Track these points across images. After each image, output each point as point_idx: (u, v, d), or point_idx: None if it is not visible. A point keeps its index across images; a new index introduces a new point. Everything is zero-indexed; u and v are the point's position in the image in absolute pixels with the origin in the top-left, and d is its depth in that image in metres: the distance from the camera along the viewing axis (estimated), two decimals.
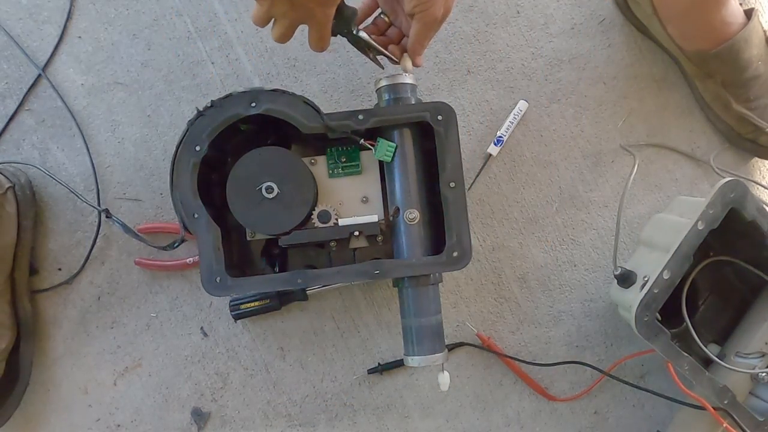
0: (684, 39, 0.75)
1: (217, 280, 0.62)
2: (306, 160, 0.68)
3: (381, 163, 0.68)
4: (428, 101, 0.64)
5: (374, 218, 0.67)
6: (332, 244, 0.68)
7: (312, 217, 0.67)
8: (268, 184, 0.64)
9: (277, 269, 0.70)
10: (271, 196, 0.64)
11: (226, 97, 0.62)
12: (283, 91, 0.62)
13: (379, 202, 0.69)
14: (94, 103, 0.79)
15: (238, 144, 0.68)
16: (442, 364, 0.64)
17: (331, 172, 0.69)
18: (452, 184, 0.63)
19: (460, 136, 0.64)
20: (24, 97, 0.79)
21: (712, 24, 0.72)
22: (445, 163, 0.63)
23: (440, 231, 0.64)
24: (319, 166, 0.69)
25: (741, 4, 0.77)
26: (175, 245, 0.66)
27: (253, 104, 0.62)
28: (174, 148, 0.63)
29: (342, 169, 0.69)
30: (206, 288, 0.62)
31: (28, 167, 0.78)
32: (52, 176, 0.76)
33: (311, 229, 0.67)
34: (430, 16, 0.60)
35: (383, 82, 0.66)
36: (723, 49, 0.72)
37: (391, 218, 0.66)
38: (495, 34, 0.81)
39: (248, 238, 0.69)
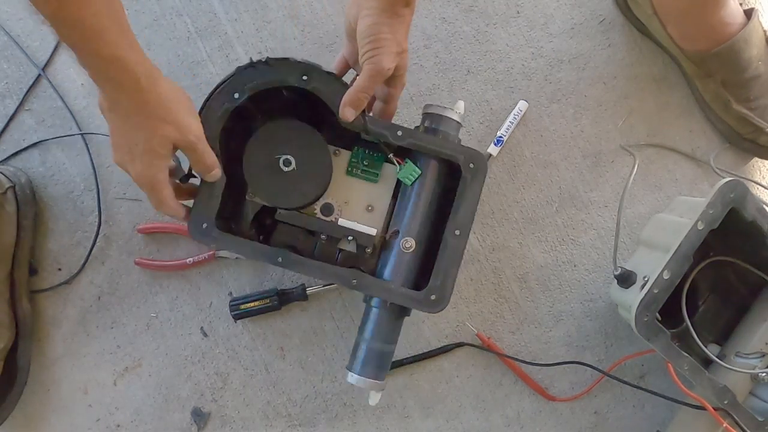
0: (684, 39, 0.75)
1: (204, 226, 0.62)
2: (331, 148, 0.67)
3: (399, 182, 0.67)
4: (466, 145, 0.63)
5: (372, 231, 0.66)
6: (323, 236, 0.68)
7: (315, 204, 0.67)
8: (288, 157, 0.63)
9: (261, 238, 0.68)
10: (286, 169, 0.63)
11: (283, 59, 0.62)
12: (337, 78, 0.62)
13: (382, 216, 0.68)
14: (94, 103, 0.79)
15: (274, 105, 0.66)
16: (378, 390, 0.65)
17: (349, 169, 0.68)
18: (457, 232, 0.62)
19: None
20: (24, 97, 0.79)
21: (712, 24, 0.72)
22: (458, 210, 0.63)
23: (428, 268, 0.64)
24: (341, 159, 0.68)
25: (741, 4, 0.77)
26: (185, 178, 0.65)
27: (305, 78, 0.62)
28: (215, 85, 0.62)
29: (361, 171, 0.68)
30: (191, 231, 0.61)
31: (28, 167, 0.78)
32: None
33: (311, 216, 0.66)
34: (377, 64, 0.58)
35: (432, 109, 0.66)
36: (723, 49, 0.72)
37: (386, 237, 0.66)
38: (495, 34, 0.81)
39: (247, 198, 0.67)
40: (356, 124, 0.62)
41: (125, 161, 0.57)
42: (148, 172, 0.56)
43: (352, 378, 0.65)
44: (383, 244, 0.67)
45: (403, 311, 0.66)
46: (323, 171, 0.65)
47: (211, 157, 0.60)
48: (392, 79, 0.62)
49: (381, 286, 0.63)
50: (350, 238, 0.66)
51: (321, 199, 0.67)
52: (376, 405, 0.67)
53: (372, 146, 0.67)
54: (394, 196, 0.68)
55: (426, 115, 0.66)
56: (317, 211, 0.67)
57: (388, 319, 0.65)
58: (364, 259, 0.67)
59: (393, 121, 0.66)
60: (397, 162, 0.65)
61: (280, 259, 0.63)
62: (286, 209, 0.65)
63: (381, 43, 0.57)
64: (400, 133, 0.63)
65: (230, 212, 0.67)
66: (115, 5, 0.50)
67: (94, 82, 0.52)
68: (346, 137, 0.67)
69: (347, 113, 0.61)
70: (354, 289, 0.63)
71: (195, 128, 0.58)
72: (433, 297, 0.62)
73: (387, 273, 0.65)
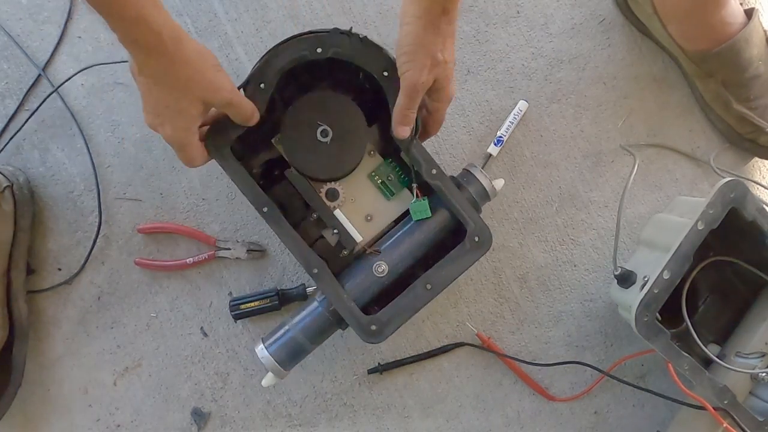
0: (684, 39, 0.75)
1: (221, 144, 0.62)
2: (369, 146, 0.67)
3: (407, 209, 0.67)
4: (482, 219, 0.63)
5: (359, 238, 0.66)
6: (314, 215, 0.67)
7: (325, 184, 0.66)
8: (329, 130, 0.63)
9: (261, 183, 0.67)
10: (321, 139, 0.63)
11: (377, 46, 0.62)
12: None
13: (376, 231, 0.67)
14: (94, 103, 0.79)
15: (343, 76, 0.66)
16: (275, 376, 0.66)
17: (372, 174, 0.68)
18: (429, 286, 0.62)
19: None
20: (24, 97, 0.79)
21: (713, 24, 0.72)
22: (442, 268, 0.62)
23: (386, 297, 0.63)
24: (371, 160, 0.68)
25: (741, 4, 0.77)
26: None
27: (386, 73, 0.62)
28: (306, 30, 0.62)
29: (381, 182, 0.68)
30: (207, 139, 0.61)
31: (28, 167, 0.78)
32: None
33: (315, 191, 0.66)
34: (409, 79, 0.57)
35: (472, 169, 0.67)
36: (724, 48, 0.72)
37: (367, 250, 0.66)
38: (495, 34, 0.81)
39: (273, 141, 0.67)
40: (403, 141, 0.62)
41: (156, 124, 0.57)
42: (179, 134, 0.57)
43: (262, 351, 0.65)
44: (360, 254, 0.67)
45: (340, 322, 0.65)
46: (350, 161, 0.65)
47: (248, 106, 0.60)
48: (433, 92, 0.61)
49: (335, 290, 0.62)
50: (336, 231, 0.66)
51: (334, 183, 0.66)
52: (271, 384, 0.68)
53: (404, 166, 0.67)
54: (397, 220, 0.68)
55: (465, 171, 0.67)
56: (323, 190, 0.66)
57: (323, 322, 0.65)
58: (337, 256, 0.67)
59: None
60: (417, 193, 0.65)
61: (265, 209, 0.62)
62: (298, 171, 0.65)
63: (412, 56, 0.57)
64: (434, 171, 0.63)
65: (248, 145, 0.67)
66: None
67: (124, 46, 0.52)
68: (389, 144, 0.67)
69: (400, 131, 0.61)
70: (312, 277, 0.62)
71: (226, 83, 0.57)
72: (373, 327, 0.62)
73: (349, 283, 0.64)
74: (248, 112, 0.60)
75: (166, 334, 0.78)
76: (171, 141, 0.58)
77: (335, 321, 0.65)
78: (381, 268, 0.64)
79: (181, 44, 0.53)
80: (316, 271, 0.62)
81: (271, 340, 0.65)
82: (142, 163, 0.79)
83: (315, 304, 0.66)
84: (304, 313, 0.66)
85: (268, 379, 0.66)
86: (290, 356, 0.65)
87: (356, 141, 0.65)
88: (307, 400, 0.78)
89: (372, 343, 0.62)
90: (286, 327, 0.66)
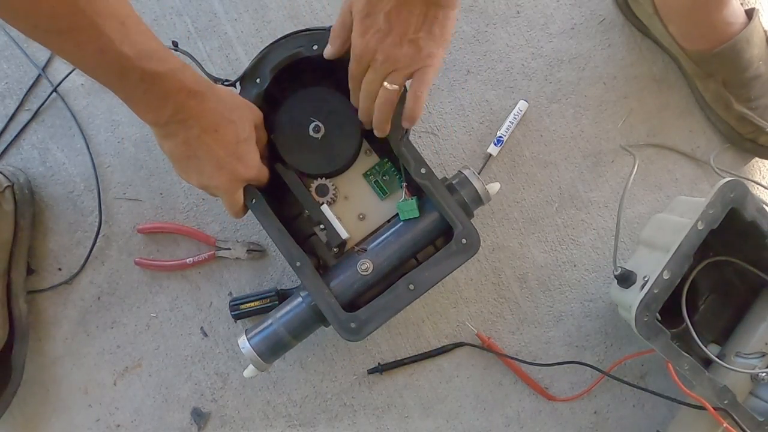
0: (685, 39, 0.75)
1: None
2: (366, 145, 0.68)
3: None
4: (472, 223, 0.63)
5: (345, 235, 0.65)
6: (306, 212, 0.67)
7: (316, 180, 0.66)
8: (320, 126, 0.63)
9: None
10: (313, 134, 0.63)
11: None
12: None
13: (368, 230, 0.68)
14: (94, 103, 0.79)
15: (339, 74, 0.65)
16: (257, 369, 0.66)
17: (367, 173, 0.68)
18: (411, 287, 0.62)
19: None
20: (24, 97, 0.79)
21: (714, 24, 0.72)
22: (426, 269, 0.62)
23: (369, 296, 0.63)
24: (367, 160, 0.68)
25: (742, 4, 0.77)
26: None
27: None
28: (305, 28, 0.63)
29: (375, 182, 0.68)
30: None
31: (28, 167, 0.78)
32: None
33: (303, 187, 0.65)
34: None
35: (465, 171, 0.66)
36: (724, 49, 0.72)
37: (356, 250, 0.65)
38: (495, 34, 0.81)
39: (272, 137, 0.66)
40: (393, 138, 0.62)
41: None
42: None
43: (244, 343, 0.65)
44: (348, 252, 0.66)
45: (323, 319, 0.64)
46: (341, 158, 0.65)
47: (265, 175, 0.63)
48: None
49: (316, 285, 0.62)
50: (322, 227, 0.65)
51: (325, 179, 0.66)
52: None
53: (399, 167, 0.67)
54: (391, 221, 0.68)
55: (458, 173, 0.67)
56: (313, 186, 0.66)
57: (305, 317, 0.65)
58: (327, 254, 0.67)
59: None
60: (406, 193, 0.65)
61: (253, 201, 0.62)
62: (290, 166, 0.65)
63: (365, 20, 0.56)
64: (423, 171, 0.62)
65: None
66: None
67: (154, 121, 0.54)
68: (386, 144, 0.66)
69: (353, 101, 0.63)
70: (295, 271, 0.62)
71: (255, 162, 0.60)
72: (353, 325, 0.61)
73: (334, 280, 0.64)
74: (264, 179, 0.63)
75: (166, 334, 0.78)
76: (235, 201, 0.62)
77: (317, 317, 0.65)
78: (365, 266, 0.63)
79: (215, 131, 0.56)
80: (298, 264, 0.62)
81: (254, 332, 0.65)
82: (142, 163, 0.79)
83: (299, 299, 0.66)
84: (287, 307, 0.66)
85: (249, 371, 0.66)
86: (271, 350, 0.65)
87: (349, 138, 0.65)
88: (307, 400, 0.78)
89: (350, 341, 0.62)
90: (270, 321, 0.66)
